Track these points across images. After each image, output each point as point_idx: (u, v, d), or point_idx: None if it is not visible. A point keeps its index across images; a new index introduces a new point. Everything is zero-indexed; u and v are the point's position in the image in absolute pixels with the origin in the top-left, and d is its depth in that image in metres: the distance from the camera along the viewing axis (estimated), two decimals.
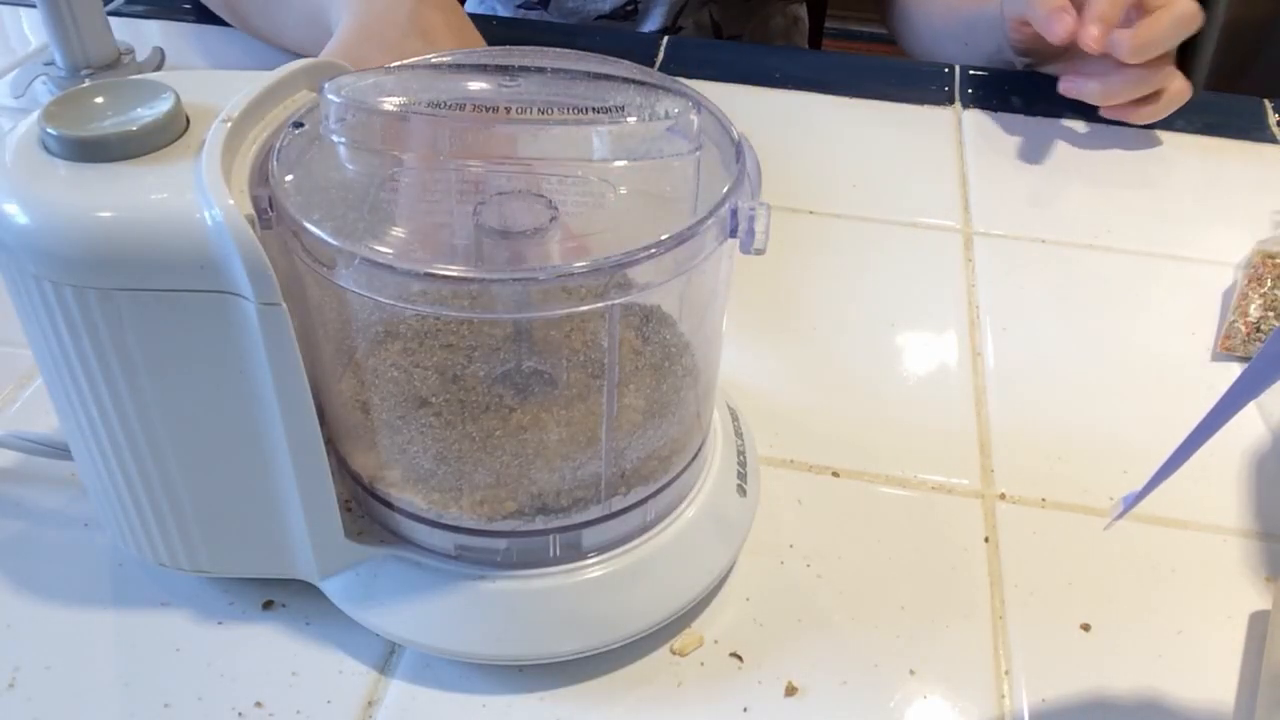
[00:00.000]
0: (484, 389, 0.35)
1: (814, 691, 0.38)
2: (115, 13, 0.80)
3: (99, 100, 0.32)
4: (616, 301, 0.31)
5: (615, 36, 0.82)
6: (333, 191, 0.34)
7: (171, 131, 0.32)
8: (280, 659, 0.38)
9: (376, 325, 0.35)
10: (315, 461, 0.35)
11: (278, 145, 0.33)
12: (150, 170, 0.31)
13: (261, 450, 0.35)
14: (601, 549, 0.38)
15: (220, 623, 0.39)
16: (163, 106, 0.32)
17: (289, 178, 0.33)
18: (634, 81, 0.35)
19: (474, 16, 0.63)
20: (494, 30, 0.80)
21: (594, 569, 0.38)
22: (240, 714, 0.37)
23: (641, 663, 0.39)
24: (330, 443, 0.38)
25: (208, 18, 0.79)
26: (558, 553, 0.37)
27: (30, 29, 0.79)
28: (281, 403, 0.33)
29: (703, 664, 0.39)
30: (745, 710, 0.38)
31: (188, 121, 0.33)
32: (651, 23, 0.90)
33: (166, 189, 0.31)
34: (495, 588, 0.37)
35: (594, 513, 0.37)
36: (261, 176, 0.32)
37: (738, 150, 0.35)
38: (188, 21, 0.79)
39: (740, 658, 0.39)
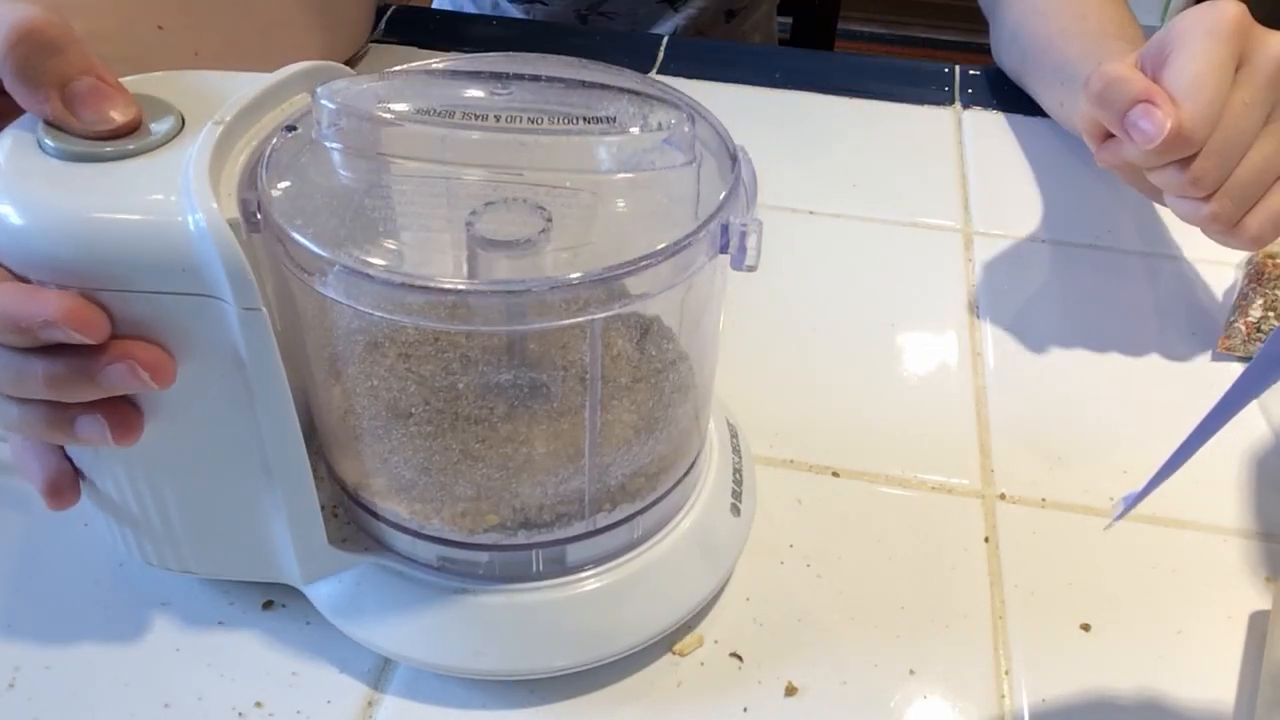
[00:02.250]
0: (467, 400, 0.35)
1: (814, 691, 0.38)
2: None
3: None
4: (597, 316, 0.31)
5: (615, 36, 0.82)
6: (322, 198, 0.34)
7: (165, 133, 0.32)
8: (280, 659, 0.38)
9: (359, 334, 0.35)
10: (297, 467, 0.35)
11: (269, 149, 0.33)
12: (140, 172, 0.31)
13: (245, 454, 0.34)
14: (586, 565, 0.37)
15: (220, 623, 0.39)
16: (158, 107, 0.32)
17: (280, 183, 0.32)
18: (629, 91, 0.35)
19: (473, 17, 0.63)
20: (492, 30, 0.80)
21: (578, 585, 0.37)
22: (240, 714, 0.37)
23: (641, 663, 0.39)
24: (318, 449, 0.37)
25: None
26: (541, 568, 0.37)
27: None
28: (262, 408, 0.33)
29: (703, 664, 0.39)
30: (745, 710, 0.38)
31: (182, 122, 0.33)
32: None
33: (153, 190, 0.30)
34: (477, 601, 0.37)
35: (578, 529, 0.37)
36: (252, 180, 0.32)
37: (733, 162, 0.34)
38: None
39: (740, 658, 0.39)
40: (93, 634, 0.39)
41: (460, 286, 0.30)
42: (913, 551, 0.43)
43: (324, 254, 0.30)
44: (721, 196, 0.33)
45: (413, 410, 0.35)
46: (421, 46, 0.77)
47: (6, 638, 0.39)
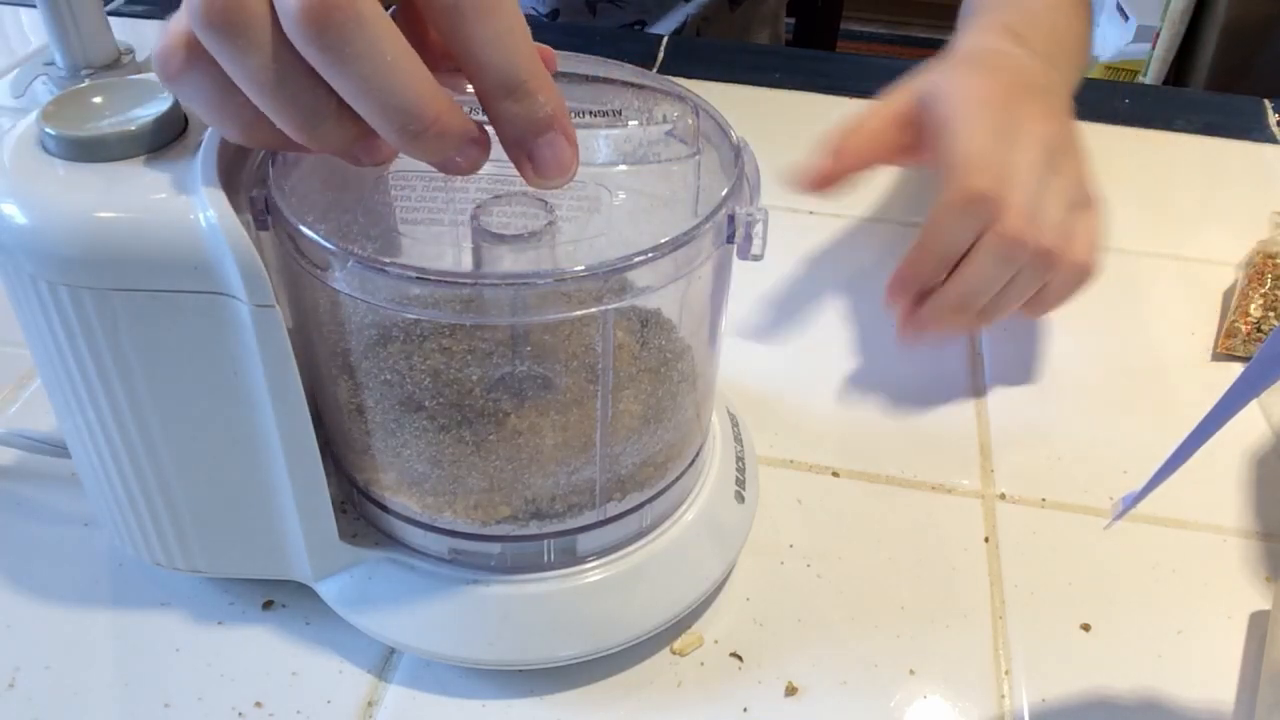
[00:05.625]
0: (479, 393, 0.35)
1: (814, 691, 0.38)
2: (115, 13, 0.80)
3: (97, 100, 0.32)
4: (610, 306, 0.31)
5: (615, 34, 0.82)
6: (330, 193, 0.34)
7: (170, 131, 0.32)
8: (280, 659, 0.38)
9: (370, 328, 0.35)
10: (309, 463, 0.35)
11: None
12: (147, 170, 0.31)
13: (256, 451, 0.35)
14: (596, 554, 0.38)
15: (220, 623, 0.39)
16: (161, 106, 0.32)
17: (287, 180, 0.32)
18: (633, 85, 0.35)
19: None
20: None
21: (589, 574, 0.38)
22: (240, 714, 0.37)
23: (642, 663, 0.39)
24: (326, 445, 0.38)
25: None
26: (552, 558, 0.37)
27: (30, 29, 0.79)
28: (275, 404, 0.33)
29: (703, 664, 0.39)
30: (745, 710, 0.38)
31: (186, 121, 0.33)
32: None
33: (162, 189, 0.30)
34: (489, 592, 0.37)
35: (589, 518, 0.37)
36: (259, 176, 0.32)
37: (737, 154, 0.34)
38: None
39: (740, 658, 0.39)
40: (93, 634, 0.39)
41: (473, 279, 0.30)
42: (913, 551, 0.43)
43: (336, 248, 0.30)
44: (725, 188, 0.33)
45: (424, 404, 0.35)
46: None
47: (6, 638, 0.39)
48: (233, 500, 0.36)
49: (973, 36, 0.56)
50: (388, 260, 0.30)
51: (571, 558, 0.38)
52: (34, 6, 0.64)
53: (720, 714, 0.37)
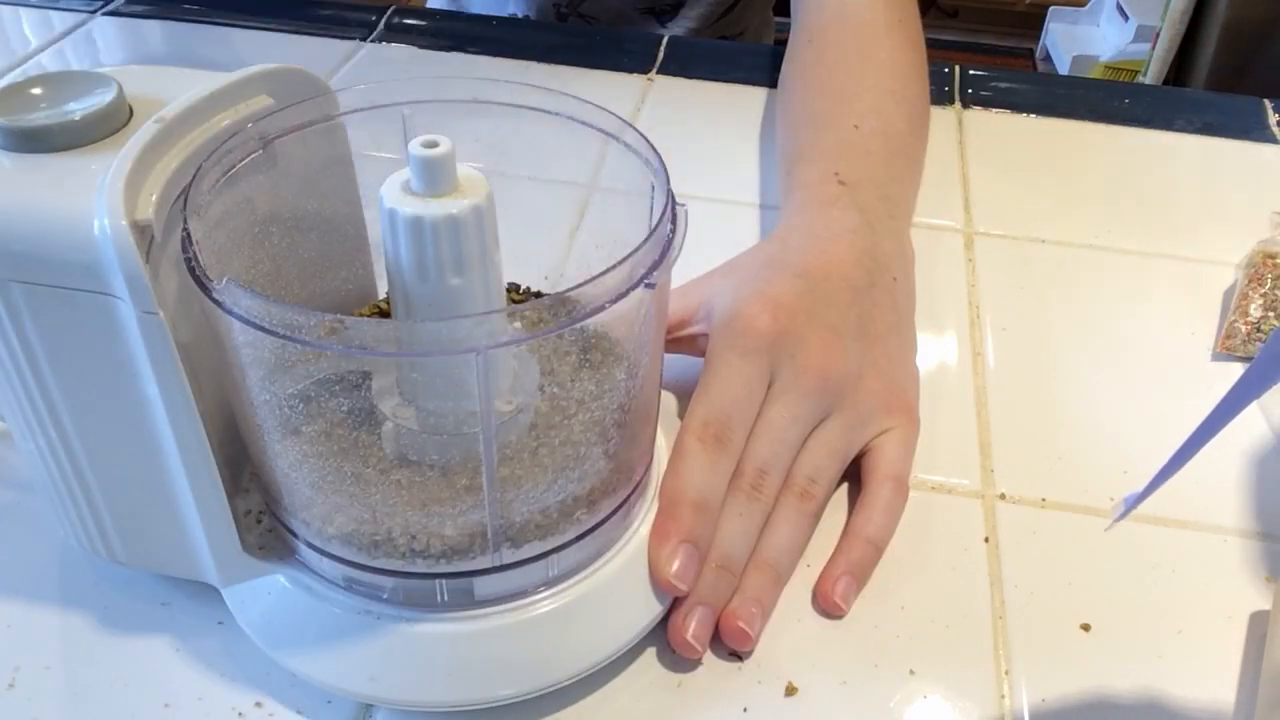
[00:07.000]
0: (350, 424, 0.34)
1: (814, 691, 0.38)
2: (115, 13, 0.80)
3: (36, 91, 0.33)
4: (489, 348, 0.30)
5: (616, 36, 0.82)
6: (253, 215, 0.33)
7: (110, 124, 0.32)
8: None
9: (246, 347, 0.34)
10: (204, 470, 0.34)
11: (210, 158, 0.33)
12: (71, 163, 0.31)
13: (156, 453, 0.34)
14: (497, 600, 0.36)
15: (221, 623, 0.39)
16: (98, 100, 0.32)
17: (206, 194, 0.33)
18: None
19: (473, 18, 0.63)
20: (492, 30, 0.80)
21: (486, 619, 0.36)
22: (240, 714, 0.37)
23: (640, 662, 0.39)
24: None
25: (208, 17, 0.79)
26: (446, 598, 0.36)
27: (30, 29, 0.79)
28: (167, 409, 0.33)
29: (702, 664, 0.39)
30: (745, 710, 0.38)
31: (130, 114, 0.33)
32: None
33: (77, 187, 0.30)
34: (379, 626, 0.35)
35: (481, 563, 0.35)
36: (188, 182, 0.32)
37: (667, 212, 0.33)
38: (187, 21, 0.79)
39: (740, 657, 0.39)
40: (93, 634, 0.39)
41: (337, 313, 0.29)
42: (913, 551, 0.43)
43: (209, 265, 0.30)
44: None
45: (300, 429, 0.34)
46: (421, 47, 0.77)
47: (6, 638, 0.39)
48: (142, 497, 0.36)
49: (797, 214, 0.52)
50: (252, 283, 0.30)
51: (469, 600, 0.36)
52: (34, 6, 0.64)
53: (720, 714, 0.37)
